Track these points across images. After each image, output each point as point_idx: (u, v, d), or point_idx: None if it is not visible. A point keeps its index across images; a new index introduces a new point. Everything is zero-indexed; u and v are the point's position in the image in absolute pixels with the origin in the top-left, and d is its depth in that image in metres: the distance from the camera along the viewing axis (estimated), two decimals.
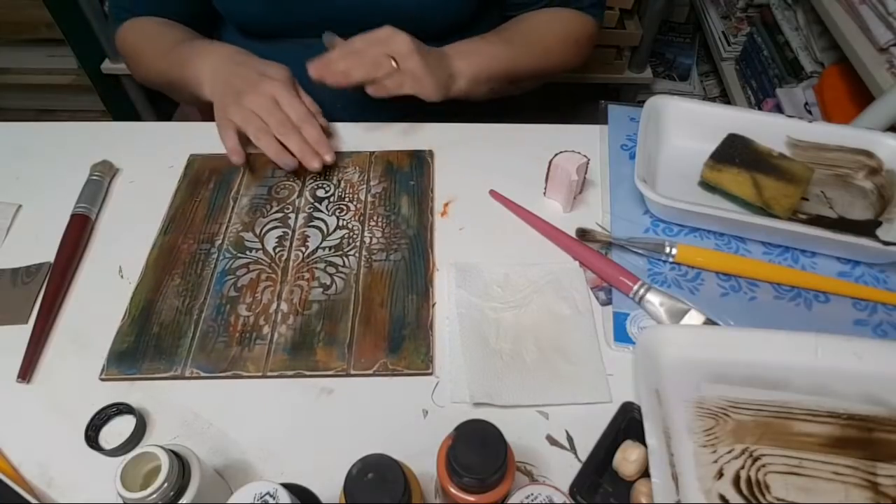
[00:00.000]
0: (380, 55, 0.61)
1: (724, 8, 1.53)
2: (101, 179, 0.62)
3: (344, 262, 0.56)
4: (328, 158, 0.60)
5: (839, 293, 0.53)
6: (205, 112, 0.71)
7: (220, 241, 0.58)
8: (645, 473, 0.42)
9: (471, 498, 0.36)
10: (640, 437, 0.42)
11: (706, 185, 0.60)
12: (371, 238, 0.58)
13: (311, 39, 0.72)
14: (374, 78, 0.61)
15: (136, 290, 0.54)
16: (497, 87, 0.70)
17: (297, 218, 0.60)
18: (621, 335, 0.51)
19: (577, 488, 0.42)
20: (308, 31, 0.71)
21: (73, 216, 0.58)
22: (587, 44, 0.77)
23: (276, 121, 0.59)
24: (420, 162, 0.65)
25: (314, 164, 0.59)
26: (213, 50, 0.66)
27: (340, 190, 0.62)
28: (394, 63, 0.60)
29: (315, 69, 0.60)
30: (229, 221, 0.59)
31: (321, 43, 0.72)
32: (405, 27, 0.70)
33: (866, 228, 0.55)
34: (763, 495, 0.40)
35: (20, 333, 0.51)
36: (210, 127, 0.69)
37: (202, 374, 0.48)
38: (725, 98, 1.52)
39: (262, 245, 0.57)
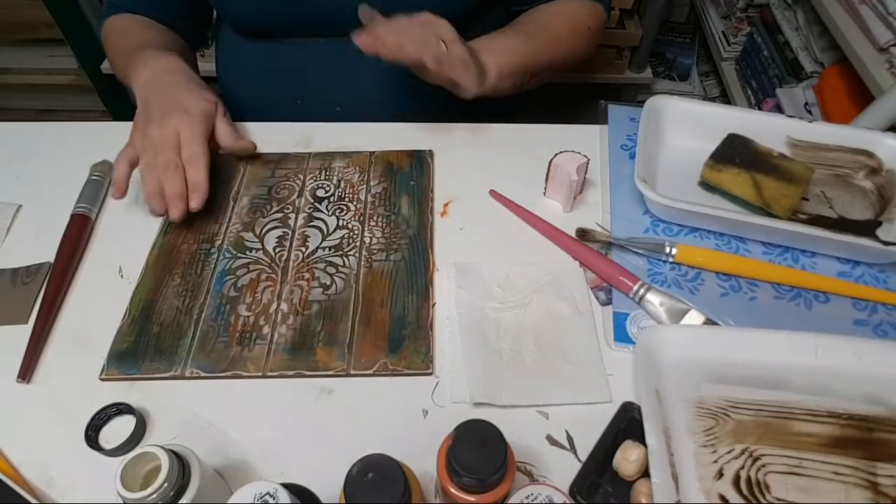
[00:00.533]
0: (428, 34, 0.58)
1: (724, 8, 1.53)
2: (101, 179, 0.62)
3: (344, 262, 0.56)
4: (193, 205, 0.56)
5: (839, 293, 0.53)
6: None
7: (220, 241, 0.58)
8: (645, 473, 0.42)
9: (471, 498, 0.36)
10: (640, 437, 0.42)
11: (706, 185, 0.60)
12: (371, 238, 0.58)
13: (309, 39, 0.72)
14: (423, 57, 0.57)
15: (136, 290, 0.54)
16: (519, 82, 0.69)
17: (297, 218, 0.60)
18: (621, 335, 0.51)
19: (577, 488, 0.41)
20: (305, 30, 0.71)
21: (73, 216, 0.58)
22: (597, 32, 0.77)
23: (164, 160, 0.56)
24: (420, 162, 0.65)
25: (174, 213, 0.56)
26: (150, 63, 0.65)
27: (340, 190, 0.62)
28: (443, 45, 0.58)
29: (365, 42, 0.56)
30: (229, 221, 0.59)
31: (318, 43, 0.71)
32: None
33: (866, 228, 0.55)
34: (763, 495, 0.40)
35: (20, 333, 0.51)
36: None
37: (202, 374, 0.48)
38: (725, 98, 1.52)
39: (262, 245, 0.57)
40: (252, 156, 0.65)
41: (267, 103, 0.74)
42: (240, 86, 0.78)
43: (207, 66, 0.77)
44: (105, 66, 1.54)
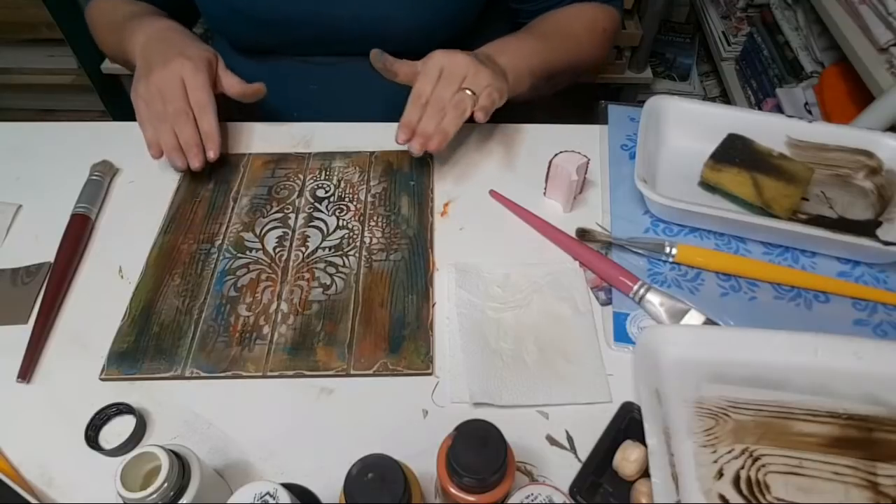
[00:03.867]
0: (455, 93, 0.57)
1: (724, 8, 1.53)
2: (101, 179, 0.62)
3: (344, 262, 0.56)
4: (211, 155, 0.59)
5: (839, 293, 0.53)
6: None
7: (220, 241, 0.58)
8: (645, 473, 0.42)
9: (471, 498, 0.36)
10: (640, 437, 0.42)
11: (706, 185, 0.60)
12: (371, 238, 0.58)
13: (308, 57, 0.71)
14: (463, 118, 0.57)
15: (136, 290, 0.54)
16: (537, 84, 0.68)
17: (297, 218, 0.60)
18: (621, 335, 0.51)
19: (577, 488, 0.42)
20: (304, 49, 0.71)
21: (73, 216, 0.58)
22: (613, 33, 0.76)
23: (173, 109, 0.58)
24: (420, 162, 0.65)
25: (195, 163, 0.58)
26: (148, 26, 0.65)
27: (340, 190, 0.62)
28: (469, 92, 0.57)
29: (404, 135, 0.57)
30: (229, 221, 0.59)
31: (317, 61, 0.71)
32: (403, 42, 0.69)
33: (866, 228, 0.55)
34: (763, 495, 0.40)
35: (20, 333, 0.51)
36: None
37: (202, 374, 0.48)
38: (725, 98, 1.52)
39: (263, 245, 0.57)
40: (252, 156, 0.65)
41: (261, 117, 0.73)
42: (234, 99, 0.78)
43: None
44: (105, 66, 1.54)
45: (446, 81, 0.57)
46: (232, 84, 0.63)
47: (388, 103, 0.65)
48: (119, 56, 0.71)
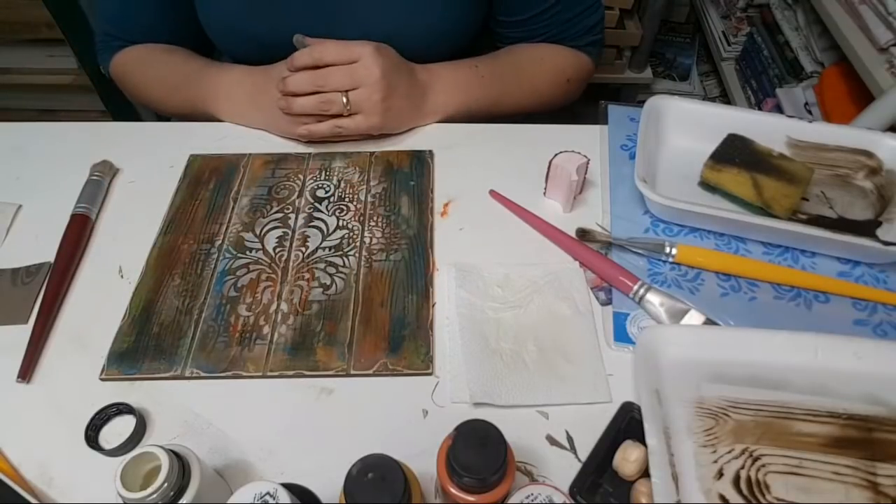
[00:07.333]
0: (334, 89, 0.60)
1: (724, 8, 1.53)
2: (101, 179, 0.62)
3: (344, 262, 0.56)
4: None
5: (839, 293, 0.53)
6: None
7: (220, 242, 0.58)
8: (645, 473, 0.42)
9: (471, 498, 0.36)
10: (640, 437, 0.42)
11: (706, 185, 0.60)
12: (371, 238, 0.58)
13: None
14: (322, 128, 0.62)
15: (136, 290, 0.54)
16: (473, 116, 0.70)
17: (297, 218, 0.60)
18: (621, 335, 0.51)
19: (577, 488, 0.42)
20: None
21: (73, 216, 0.58)
22: (578, 83, 0.77)
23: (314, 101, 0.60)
24: (420, 162, 0.65)
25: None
26: (229, 70, 0.68)
27: (340, 190, 0.62)
28: (344, 101, 0.60)
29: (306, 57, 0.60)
30: (229, 221, 0.59)
31: None
32: (408, 58, 0.68)
33: (866, 228, 0.55)
34: (763, 495, 0.40)
35: (20, 333, 0.51)
36: (210, 126, 0.69)
37: (202, 374, 0.48)
38: (725, 98, 1.52)
39: (263, 245, 0.57)
40: (252, 156, 0.65)
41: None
42: None
43: None
44: None
45: (345, 72, 0.60)
46: None
47: None
48: (175, 101, 0.72)
